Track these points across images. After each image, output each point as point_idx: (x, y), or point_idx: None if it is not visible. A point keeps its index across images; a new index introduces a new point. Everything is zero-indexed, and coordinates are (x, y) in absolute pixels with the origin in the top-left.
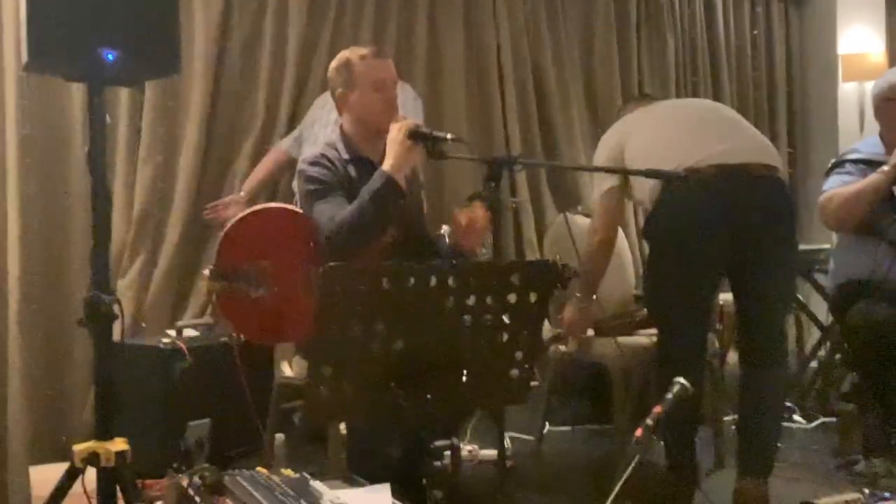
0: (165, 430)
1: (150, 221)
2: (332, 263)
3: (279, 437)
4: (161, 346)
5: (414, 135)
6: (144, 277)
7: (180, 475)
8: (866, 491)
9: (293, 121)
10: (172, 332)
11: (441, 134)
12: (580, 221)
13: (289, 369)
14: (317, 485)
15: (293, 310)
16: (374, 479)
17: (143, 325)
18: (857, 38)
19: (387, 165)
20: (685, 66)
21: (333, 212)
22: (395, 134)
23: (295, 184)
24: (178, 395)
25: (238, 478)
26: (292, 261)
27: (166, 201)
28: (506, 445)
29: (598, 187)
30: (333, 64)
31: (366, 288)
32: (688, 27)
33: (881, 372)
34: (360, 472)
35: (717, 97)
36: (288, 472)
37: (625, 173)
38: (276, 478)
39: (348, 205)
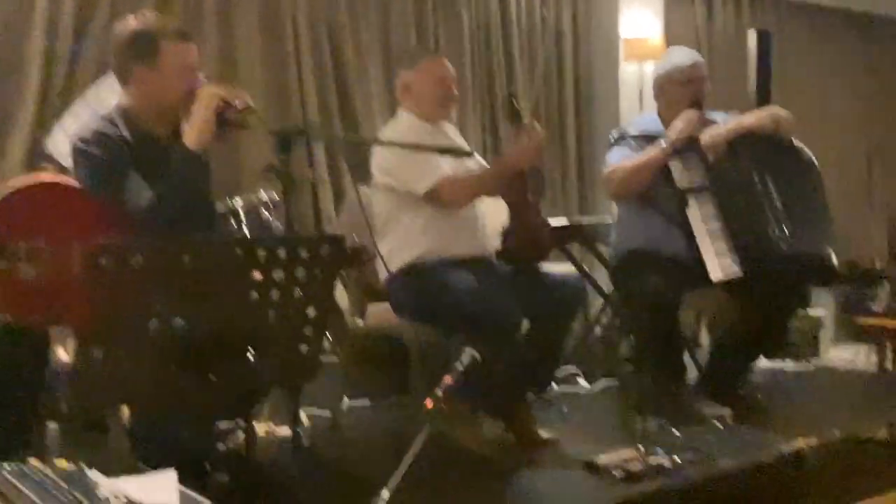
0: None
1: None
2: (101, 240)
3: (53, 426)
4: None
5: (223, 113)
6: None
7: None
8: (641, 448)
9: (70, 91)
10: None
11: (240, 104)
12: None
13: (65, 354)
14: (94, 475)
15: (69, 291)
16: (159, 466)
17: None
18: (637, 22)
19: (193, 142)
20: (479, 44)
21: (137, 193)
22: (204, 110)
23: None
24: None
25: (1, 472)
26: (69, 239)
27: None
28: (303, 422)
29: None
30: (129, 31)
31: (141, 265)
32: (482, 5)
33: (655, 336)
34: (145, 460)
35: (510, 76)
36: (62, 462)
37: (419, 149)
38: (48, 469)
39: (143, 182)
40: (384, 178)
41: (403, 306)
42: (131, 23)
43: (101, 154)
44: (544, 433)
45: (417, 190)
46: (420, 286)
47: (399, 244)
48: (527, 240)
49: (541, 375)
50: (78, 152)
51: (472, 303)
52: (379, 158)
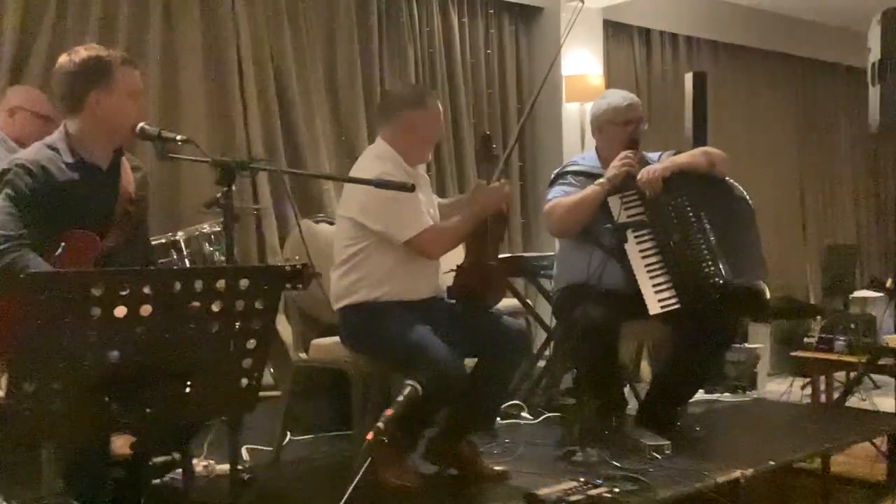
0: None
1: None
2: (32, 270)
3: None
4: None
5: (142, 135)
6: None
7: None
8: (582, 479)
9: None
10: None
11: (170, 135)
12: (322, 229)
13: None
14: None
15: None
16: (92, 502)
17: None
18: (579, 61)
19: None
20: (425, 80)
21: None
22: None
23: None
24: None
25: None
26: None
27: None
28: (244, 458)
29: None
30: (82, 58)
31: (73, 296)
32: (427, 42)
33: (595, 368)
34: (78, 496)
35: (454, 110)
36: None
37: (350, 182)
38: None
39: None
40: (362, 217)
41: (353, 340)
42: (82, 52)
43: (26, 187)
44: (495, 466)
45: (399, 238)
46: (373, 325)
47: (360, 280)
48: (479, 281)
49: (484, 415)
50: (8, 179)
51: (420, 356)
52: (361, 197)
